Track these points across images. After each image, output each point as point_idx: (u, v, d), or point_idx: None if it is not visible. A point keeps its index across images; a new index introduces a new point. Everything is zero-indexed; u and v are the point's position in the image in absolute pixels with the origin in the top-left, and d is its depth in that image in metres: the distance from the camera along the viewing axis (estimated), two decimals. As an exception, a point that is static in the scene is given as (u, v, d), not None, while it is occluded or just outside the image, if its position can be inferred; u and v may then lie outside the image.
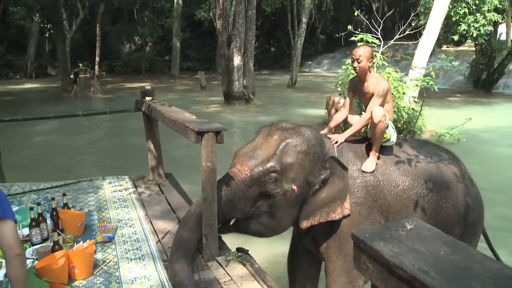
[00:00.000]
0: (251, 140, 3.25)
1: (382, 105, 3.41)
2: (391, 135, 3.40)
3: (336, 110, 3.67)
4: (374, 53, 9.20)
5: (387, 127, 3.32)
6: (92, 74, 23.00)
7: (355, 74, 3.57)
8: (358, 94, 3.62)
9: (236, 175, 3.03)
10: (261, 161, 3.03)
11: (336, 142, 3.34)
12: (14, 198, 4.38)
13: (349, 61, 9.33)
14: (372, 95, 3.43)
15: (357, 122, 3.44)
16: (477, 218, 3.57)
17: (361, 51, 3.38)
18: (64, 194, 3.74)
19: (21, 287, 2.05)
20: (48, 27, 28.19)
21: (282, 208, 3.09)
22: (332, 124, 3.59)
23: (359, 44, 9.11)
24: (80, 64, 30.74)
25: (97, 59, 29.92)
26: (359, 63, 3.38)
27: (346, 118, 3.63)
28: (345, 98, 3.73)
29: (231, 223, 3.09)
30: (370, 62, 3.41)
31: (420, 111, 9.71)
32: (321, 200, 3.13)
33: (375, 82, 3.42)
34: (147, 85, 5.42)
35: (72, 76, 21.43)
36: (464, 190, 3.48)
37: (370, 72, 3.45)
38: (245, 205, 3.03)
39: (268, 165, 3.01)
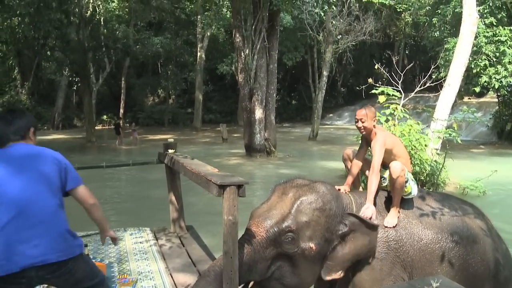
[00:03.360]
0: (266, 200, 3.24)
1: (392, 151, 3.41)
2: (412, 188, 3.37)
3: (350, 160, 3.69)
4: (395, 106, 9.26)
5: (407, 181, 3.29)
6: (134, 127, 23.39)
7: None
8: (370, 146, 3.65)
9: (252, 237, 3.00)
10: (276, 221, 3.00)
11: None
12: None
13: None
14: None
15: (368, 185, 3.39)
16: (508, 275, 3.42)
17: (364, 111, 3.43)
18: (85, 245, 3.74)
19: (105, 223, 2.79)
20: (76, 80, 29.21)
21: (303, 267, 3.03)
22: (350, 179, 3.58)
23: (380, 96, 9.18)
24: (105, 116, 31.56)
25: (121, 111, 30.66)
26: (363, 123, 3.43)
27: (363, 168, 3.63)
28: (359, 148, 3.75)
29: (250, 285, 3.04)
30: (374, 121, 3.46)
31: (443, 163, 9.58)
32: (342, 256, 3.07)
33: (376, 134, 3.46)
34: (170, 137, 5.51)
35: (113, 127, 22.36)
36: (493, 245, 3.37)
37: (374, 129, 3.49)
38: (263, 267, 2.98)
39: (284, 225, 2.98)
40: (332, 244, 3.07)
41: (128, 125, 30.76)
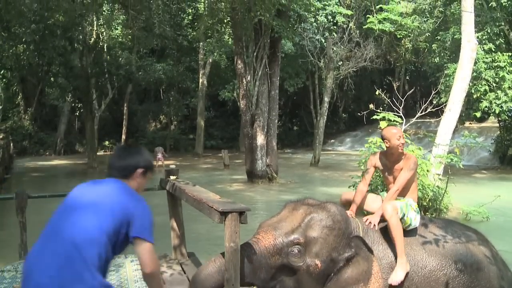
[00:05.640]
0: (276, 214, 3.26)
1: (412, 179, 3.44)
2: (412, 220, 3.35)
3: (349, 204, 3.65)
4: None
5: (403, 217, 3.30)
6: (164, 153, 23.06)
7: (379, 150, 3.66)
8: (385, 170, 3.63)
9: (260, 242, 3.01)
10: (285, 232, 3.02)
11: (370, 223, 3.32)
12: (36, 276, 4.35)
13: (371, 139, 9.35)
14: (399, 169, 3.47)
15: (387, 196, 3.43)
16: (515, 306, 3.38)
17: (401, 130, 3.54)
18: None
19: None
20: (78, 106, 29.39)
21: (306, 284, 3.00)
22: (354, 207, 3.58)
23: (381, 122, 9.20)
24: (107, 142, 31.62)
25: (123, 137, 30.74)
26: (403, 142, 3.50)
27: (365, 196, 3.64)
28: (364, 174, 3.77)
29: None
30: None
31: (446, 188, 9.54)
32: (344, 280, 3.04)
33: (405, 158, 3.48)
34: (171, 164, 5.52)
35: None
36: (498, 273, 3.33)
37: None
38: (266, 274, 2.97)
39: (292, 236, 2.98)
40: (337, 265, 3.04)
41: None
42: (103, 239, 2.17)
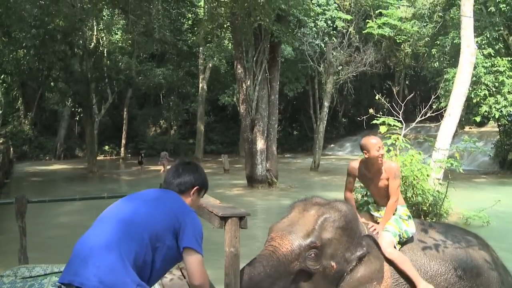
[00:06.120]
0: (286, 215, 3.21)
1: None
2: (407, 232, 3.36)
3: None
4: (397, 136, 9.28)
5: (399, 238, 3.30)
6: (169, 158, 23.08)
7: (359, 158, 3.68)
8: (366, 179, 3.63)
9: (277, 250, 2.93)
10: (301, 236, 2.96)
11: (375, 229, 3.32)
12: (35, 281, 4.33)
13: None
14: (382, 179, 3.46)
15: (387, 209, 3.41)
16: (515, 310, 3.38)
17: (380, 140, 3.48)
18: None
19: None
20: (78, 111, 29.43)
21: (321, 286, 2.96)
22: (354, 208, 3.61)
23: (381, 127, 9.19)
24: (107, 146, 31.63)
25: (123, 141, 30.73)
26: (382, 153, 3.47)
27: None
28: (346, 183, 3.80)
29: None
30: None
31: (446, 193, 9.53)
32: (357, 279, 3.02)
33: (386, 166, 3.45)
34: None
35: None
36: (498, 278, 3.32)
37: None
38: (286, 281, 2.90)
39: (309, 240, 2.93)
40: (351, 265, 3.03)
41: (130, 155, 30.82)
42: (145, 239, 2.20)
